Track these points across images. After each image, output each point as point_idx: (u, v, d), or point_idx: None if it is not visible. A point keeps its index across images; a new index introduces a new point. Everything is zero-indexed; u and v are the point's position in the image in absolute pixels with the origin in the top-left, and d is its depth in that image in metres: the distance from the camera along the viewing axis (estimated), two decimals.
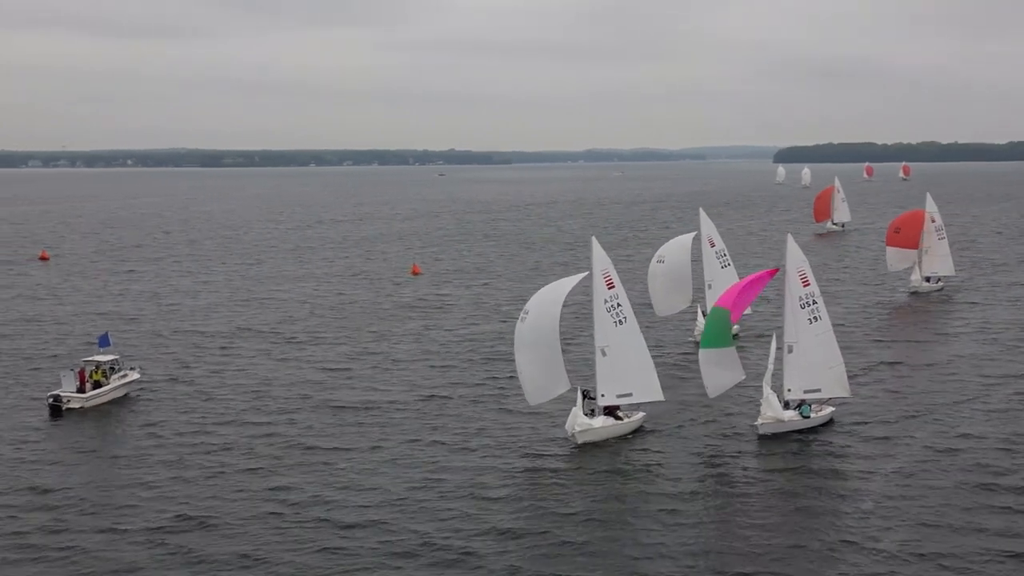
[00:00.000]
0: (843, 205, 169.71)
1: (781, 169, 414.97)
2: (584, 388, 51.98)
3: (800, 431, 51.61)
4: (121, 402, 60.29)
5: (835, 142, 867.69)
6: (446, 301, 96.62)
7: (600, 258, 51.79)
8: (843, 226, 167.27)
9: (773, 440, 50.65)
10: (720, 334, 53.00)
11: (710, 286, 75.07)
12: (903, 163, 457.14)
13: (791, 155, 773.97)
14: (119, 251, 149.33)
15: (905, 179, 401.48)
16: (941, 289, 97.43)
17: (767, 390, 51.33)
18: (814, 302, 53.03)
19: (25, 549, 39.14)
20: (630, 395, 52.02)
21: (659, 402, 53.13)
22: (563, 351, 52.76)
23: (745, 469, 46.99)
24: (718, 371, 53.10)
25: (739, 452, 49.20)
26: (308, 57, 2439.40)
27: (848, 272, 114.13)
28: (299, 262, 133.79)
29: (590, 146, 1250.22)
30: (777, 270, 55.90)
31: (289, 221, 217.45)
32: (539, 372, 51.17)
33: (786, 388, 52.68)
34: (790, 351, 52.59)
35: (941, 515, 40.92)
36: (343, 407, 58.08)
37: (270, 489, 44.84)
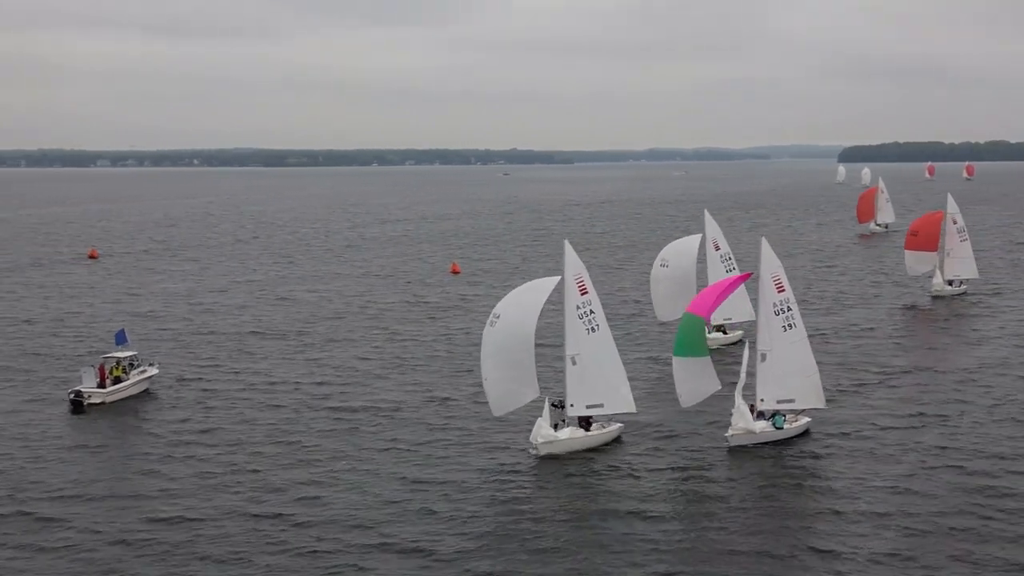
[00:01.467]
0: (887, 206, 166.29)
1: (841, 168, 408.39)
2: (555, 399, 50.75)
3: (774, 442, 50.31)
4: (140, 397, 61.83)
5: (901, 141, 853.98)
6: (472, 302, 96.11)
7: (573, 262, 50.33)
8: (887, 227, 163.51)
9: (744, 452, 49.27)
10: (693, 342, 51.31)
11: None
12: (967, 163, 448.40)
13: (856, 154, 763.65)
14: (165, 250, 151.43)
15: (969, 179, 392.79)
16: (964, 293, 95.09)
17: (739, 400, 49.83)
18: (788, 308, 51.61)
19: (42, 539, 40.18)
20: (600, 406, 50.46)
21: (631, 413, 51.80)
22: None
23: (712, 483, 45.64)
24: (692, 381, 51.47)
25: (709, 464, 47.88)
26: (370, 57, 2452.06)
27: (871, 276, 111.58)
28: (339, 262, 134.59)
29: (652, 145, 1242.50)
30: (750, 274, 54.96)
31: (339, 220, 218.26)
32: (507, 380, 49.34)
33: (759, 398, 51.26)
34: (763, 359, 51.13)
35: (918, 532, 39.64)
36: (343, 409, 58.22)
37: (267, 491, 45.07)
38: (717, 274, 73.67)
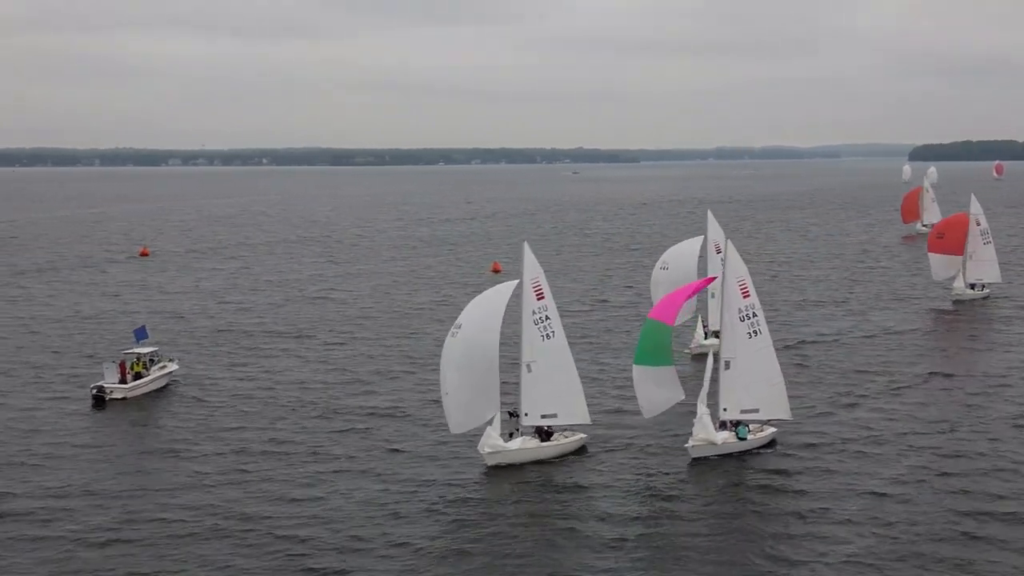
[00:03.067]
0: (933, 206, 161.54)
1: (907, 167, 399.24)
2: (511, 408, 49.07)
3: (739, 453, 48.28)
4: (160, 393, 62.66)
5: (973, 140, 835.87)
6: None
7: (531, 265, 48.41)
8: (932, 227, 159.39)
9: (706, 463, 47.35)
10: (655, 350, 48.90)
11: (712, 295, 70.86)
12: (996, 161, 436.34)
13: (926, 153, 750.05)
14: (211, 249, 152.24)
15: (998, 178, 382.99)
16: (987, 297, 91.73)
17: (701, 409, 47.75)
18: (754, 315, 49.40)
19: (65, 529, 40.82)
20: (555, 416, 48.45)
21: (587, 424, 49.80)
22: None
23: (671, 495, 43.66)
24: (653, 390, 49.16)
25: (669, 476, 45.91)
26: (437, 56, 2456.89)
27: (903, 278, 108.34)
28: (380, 261, 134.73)
29: (720, 144, 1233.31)
30: (714, 278, 52.76)
31: (389, 220, 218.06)
32: (469, 394, 47.04)
33: (721, 407, 49.19)
34: (727, 367, 49.06)
35: (885, 550, 37.76)
36: (356, 409, 57.78)
37: (267, 490, 45.00)
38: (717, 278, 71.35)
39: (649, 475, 46.19)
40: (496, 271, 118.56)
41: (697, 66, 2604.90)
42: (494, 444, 46.86)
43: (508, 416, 48.61)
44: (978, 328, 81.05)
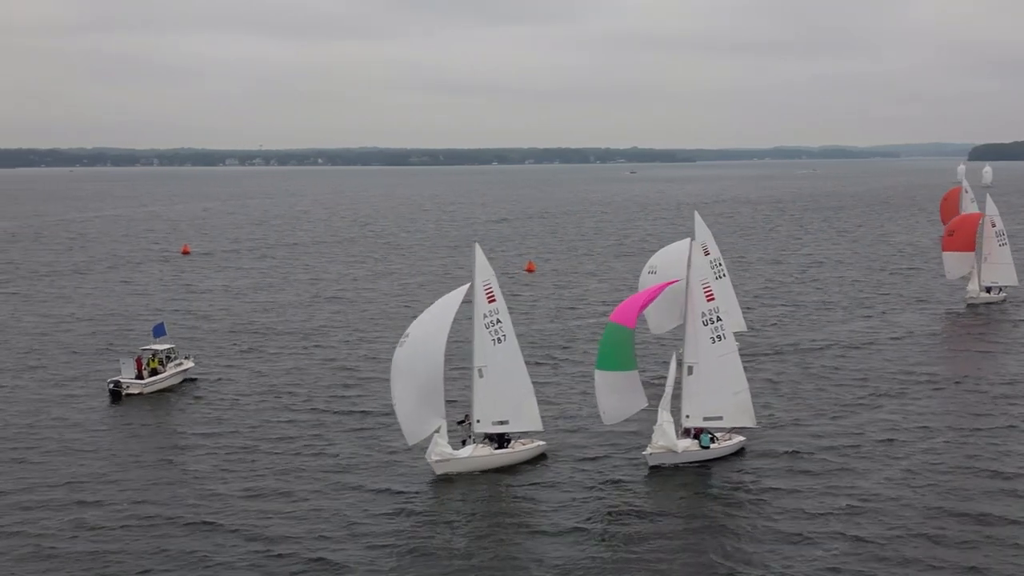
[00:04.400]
0: (972, 206, 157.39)
1: (962, 167, 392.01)
2: (466, 414, 47.93)
3: (704, 462, 46.72)
4: (177, 389, 63.60)
5: None
6: (519, 301, 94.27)
7: (482, 267, 47.27)
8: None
9: (667, 472, 45.88)
10: (617, 355, 47.36)
11: None
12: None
13: (988, 152, 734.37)
14: (249, 249, 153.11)
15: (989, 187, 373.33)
16: (1003, 300, 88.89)
17: (663, 415, 46.21)
18: (718, 319, 47.80)
19: (80, 519, 41.64)
20: (506, 423, 47.09)
21: (540, 431, 48.48)
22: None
23: (629, 505, 42.29)
24: (616, 397, 47.58)
25: (627, 485, 44.52)
26: (490, 56, 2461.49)
27: (929, 280, 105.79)
28: (411, 260, 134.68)
29: (776, 143, 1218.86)
30: (677, 280, 51.00)
31: (430, 220, 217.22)
32: (416, 404, 45.83)
33: (684, 414, 47.69)
34: (690, 372, 47.50)
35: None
36: (359, 412, 57.39)
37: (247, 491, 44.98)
38: (707, 280, 69.24)
39: (608, 484, 44.81)
40: (530, 271, 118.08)
41: (753, 64, 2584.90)
42: (442, 452, 45.55)
43: (460, 423, 47.45)
44: (987, 333, 78.49)
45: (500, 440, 47.67)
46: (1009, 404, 56.99)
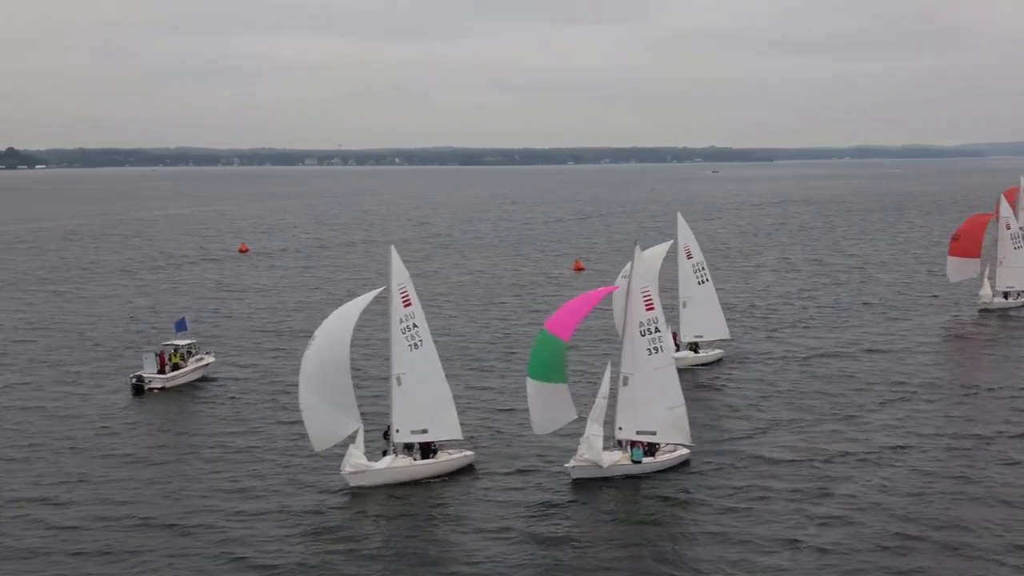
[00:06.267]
0: None
1: None
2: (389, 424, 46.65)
3: (638, 476, 45.00)
4: (197, 383, 64.47)
5: None
6: (544, 300, 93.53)
7: (398, 270, 45.97)
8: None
9: (593, 486, 44.16)
10: (548, 365, 45.53)
11: (685, 304, 67.57)
12: None
13: None
14: (301, 248, 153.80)
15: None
16: (1022, 306, 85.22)
17: (590, 428, 44.47)
18: (656, 330, 45.97)
19: (104, 509, 42.73)
20: (425, 432, 45.81)
21: (458, 440, 47.16)
22: (357, 382, 47.99)
23: (550, 518, 40.89)
24: (546, 407, 45.93)
25: (551, 498, 42.99)
26: (566, 56, 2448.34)
27: (947, 285, 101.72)
28: (455, 259, 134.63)
29: (857, 143, 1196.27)
30: (617, 287, 49.26)
31: (488, 219, 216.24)
32: (324, 409, 44.87)
33: (617, 425, 45.99)
34: (625, 383, 45.78)
35: None
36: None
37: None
38: (689, 284, 67.62)
39: (532, 498, 43.35)
40: (578, 269, 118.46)
41: (830, 60, 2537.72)
42: (356, 464, 44.23)
43: (384, 435, 46.44)
44: (995, 340, 75.36)
45: (426, 450, 46.45)
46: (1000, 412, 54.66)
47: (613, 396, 46.05)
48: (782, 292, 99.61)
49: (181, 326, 68.22)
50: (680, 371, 64.27)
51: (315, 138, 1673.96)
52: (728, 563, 36.54)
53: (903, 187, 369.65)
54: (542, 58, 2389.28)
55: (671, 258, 68.32)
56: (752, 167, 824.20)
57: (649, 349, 45.94)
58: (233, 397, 61.29)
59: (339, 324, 45.56)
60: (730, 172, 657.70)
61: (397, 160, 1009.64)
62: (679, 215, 70.17)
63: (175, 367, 64.11)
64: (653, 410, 45.70)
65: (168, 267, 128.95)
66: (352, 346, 46.44)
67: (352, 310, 46.16)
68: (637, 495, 43.60)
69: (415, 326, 46.04)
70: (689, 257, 67.70)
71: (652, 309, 46.15)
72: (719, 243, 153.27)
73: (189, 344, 66.64)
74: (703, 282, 67.69)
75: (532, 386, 46.15)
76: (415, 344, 45.95)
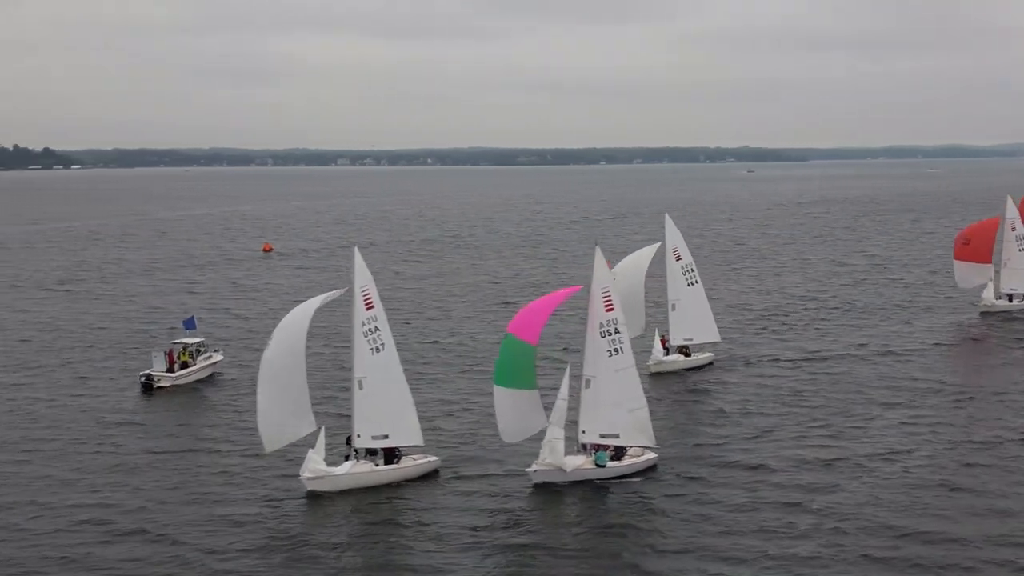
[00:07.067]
0: None
1: None
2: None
3: (600, 480, 44.43)
4: (206, 381, 65.28)
5: None
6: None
7: (361, 272, 45.54)
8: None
9: (556, 490, 43.54)
10: (515, 370, 44.70)
11: (674, 307, 66.75)
12: None
13: None
14: (320, 248, 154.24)
15: None
16: None
17: (551, 431, 43.85)
18: (616, 331, 45.31)
19: (111, 506, 43.14)
20: (386, 437, 45.21)
21: (419, 446, 46.55)
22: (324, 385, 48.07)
23: (515, 529, 40.08)
24: (514, 415, 45.15)
25: (520, 505, 42.47)
26: (598, 55, 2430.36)
27: (951, 287, 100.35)
28: (475, 259, 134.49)
29: (890, 142, 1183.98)
30: (579, 287, 48.56)
31: (519, 221, 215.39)
32: (277, 410, 44.51)
33: (580, 429, 45.39)
34: (587, 385, 45.18)
35: None
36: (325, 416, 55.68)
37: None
38: (677, 287, 66.84)
39: (495, 504, 42.80)
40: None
41: (861, 61, 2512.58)
42: (315, 469, 43.74)
43: (347, 441, 46.03)
44: (995, 342, 74.24)
45: (390, 456, 45.93)
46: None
47: (575, 399, 45.43)
48: (791, 294, 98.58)
49: (190, 325, 68.78)
50: (669, 375, 64.81)
51: (348, 138, 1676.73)
52: (689, 574, 35.97)
53: (936, 187, 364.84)
54: (574, 58, 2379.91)
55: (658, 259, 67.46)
56: (786, 167, 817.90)
57: (609, 351, 45.31)
58: (241, 395, 61.10)
59: (293, 324, 45.33)
60: (765, 172, 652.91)
61: (429, 160, 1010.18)
62: (667, 217, 69.20)
63: (184, 365, 64.70)
64: (616, 412, 45.06)
65: (189, 267, 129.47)
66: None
67: (307, 310, 45.96)
68: (601, 500, 43.07)
69: (377, 329, 45.56)
70: (678, 259, 66.94)
71: (612, 310, 45.53)
72: (738, 243, 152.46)
73: (198, 343, 67.14)
74: (692, 284, 66.93)
75: (499, 394, 45.36)
76: (376, 348, 45.47)
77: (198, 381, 64.71)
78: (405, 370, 47.16)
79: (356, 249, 47.08)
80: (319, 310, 47.22)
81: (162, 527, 40.88)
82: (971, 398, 58.31)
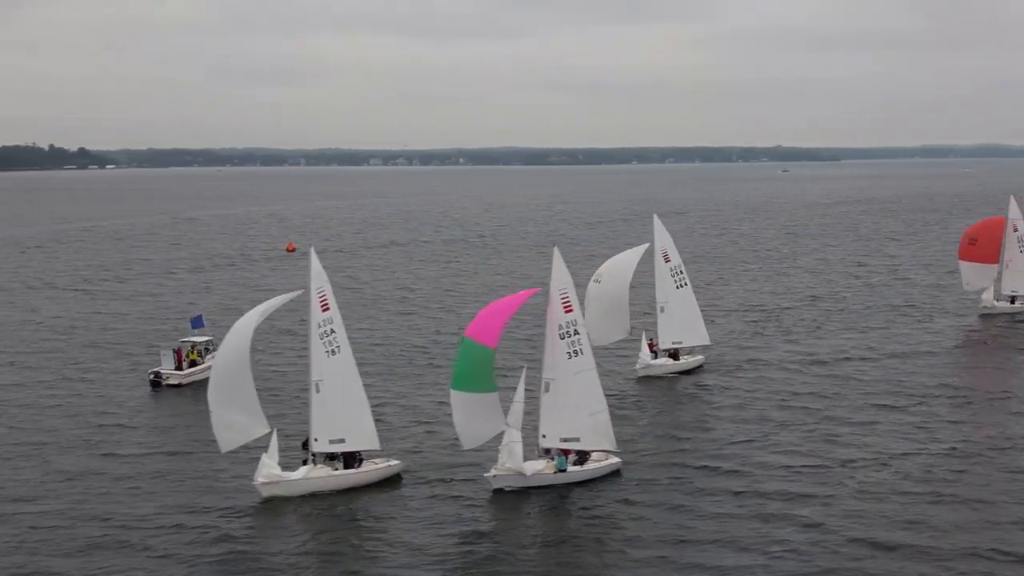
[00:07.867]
0: None
1: None
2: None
3: (560, 485, 43.48)
4: None
5: None
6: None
7: (317, 273, 44.79)
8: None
9: (515, 496, 42.70)
10: (474, 374, 43.67)
11: (662, 309, 65.52)
12: None
13: None
14: (339, 249, 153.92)
15: None
16: None
17: (510, 435, 42.95)
18: (576, 332, 44.44)
19: (117, 504, 43.37)
20: (342, 441, 44.49)
21: (376, 450, 45.71)
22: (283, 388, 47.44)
23: (476, 535, 39.32)
24: (472, 420, 44.10)
25: (480, 511, 41.64)
26: (630, 55, 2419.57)
27: (955, 290, 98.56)
28: (489, 262, 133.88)
29: (925, 141, 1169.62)
30: (537, 290, 47.63)
31: (541, 222, 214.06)
32: (229, 411, 43.99)
33: (541, 433, 44.53)
34: (547, 389, 44.35)
35: None
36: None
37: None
38: (666, 289, 65.65)
39: (454, 509, 42.01)
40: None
41: (896, 60, 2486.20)
42: (269, 474, 43.06)
43: (303, 445, 45.34)
44: (995, 345, 72.72)
45: (350, 460, 45.18)
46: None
47: (534, 402, 44.47)
48: (799, 295, 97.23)
49: (197, 323, 69.02)
50: (658, 379, 63.66)
51: (380, 138, 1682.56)
52: None
53: (968, 187, 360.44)
54: (606, 57, 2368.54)
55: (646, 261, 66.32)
56: (820, 167, 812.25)
57: (569, 353, 44.48)
58: None
59: (243, 326, 45.00)
60: (799, 171, 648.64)
61: (461, 160, 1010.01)
62: (655, 218, 68.02)
63: (192, 363, 64.95)
64: (576, 416, 44.22)
65: (208, 267, 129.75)
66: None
67: (263, 311, 45.55)
68: (563, 506, 42.19)
69: (332, 331, 44.89)
70: (667, 260, 65.75)
71: (570, 311, 44.60)
72: (758, 243, 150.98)
73: (206, 341, 67.30)
74: (681, 286, 65.75)
75: (456, 398, 44.36)
76: (332, 350, 44.81)
77: (206, 379, 64.10)
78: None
79: (312, 250, 46.34)
80: (278, 310, 46.39)
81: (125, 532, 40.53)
82: (968, 402, 57.07)
